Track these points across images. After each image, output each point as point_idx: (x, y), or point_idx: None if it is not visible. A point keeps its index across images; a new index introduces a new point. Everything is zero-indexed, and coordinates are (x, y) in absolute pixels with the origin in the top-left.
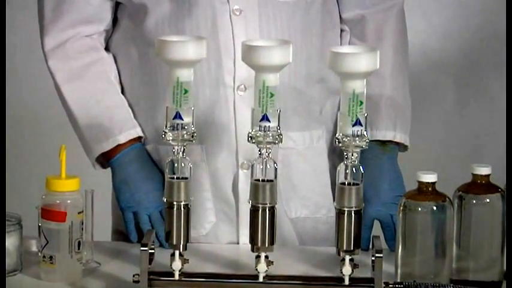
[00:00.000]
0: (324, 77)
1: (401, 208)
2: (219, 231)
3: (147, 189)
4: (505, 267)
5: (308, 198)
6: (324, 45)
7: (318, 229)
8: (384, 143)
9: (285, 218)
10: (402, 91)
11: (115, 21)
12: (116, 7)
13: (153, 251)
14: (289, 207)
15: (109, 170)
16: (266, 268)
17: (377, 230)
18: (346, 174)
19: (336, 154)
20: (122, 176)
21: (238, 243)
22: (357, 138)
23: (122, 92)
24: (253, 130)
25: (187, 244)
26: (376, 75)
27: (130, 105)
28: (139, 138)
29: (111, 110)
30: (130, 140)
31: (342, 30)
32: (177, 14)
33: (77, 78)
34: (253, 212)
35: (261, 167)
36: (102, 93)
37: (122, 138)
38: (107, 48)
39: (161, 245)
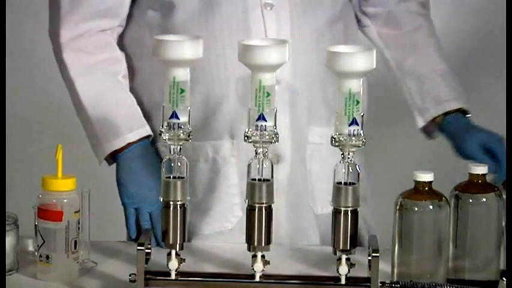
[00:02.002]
0: None
1: (397, 207)
2: (244, 226)
3: (151, 186)
4: (501, 267)
5: (326, 199)
6: (348, 41)
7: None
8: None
9: (310, 214)
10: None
11: (130, 18)
12: (132, 2)
13: (149, 250)
14: (315, 203)
15: (108, 169)
16: (262, 268)
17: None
18: (342, 173)
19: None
20: (127, 171)
21: None
22: (354, 138)
23: (138, 88)
24: (250, 129)
25: (184, 244)
26: (425, 56)
27: (142, 102)
28: (147, 136)
29: (122, 108)
30: (139, 138)
31: (364, 26)
32: (205, 9)
33: (90, 74)
34: (250, 211)
35: (258, 166)
36: (113, 92)
37: (132, 137)
38: (118, 44)
39: (158, 245)
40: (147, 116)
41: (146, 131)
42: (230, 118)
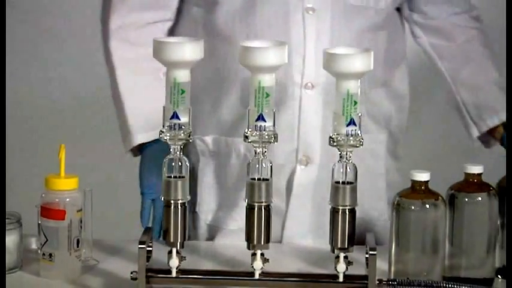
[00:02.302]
0: (389, 81)
1: (394, 206)
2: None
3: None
4: (496, 265)
5: (359, 199)
6: (390, 50)
7: (367, 230)
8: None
9: None
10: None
11: (179, 13)
12: None
13: (150, 248)
14: None
15: (110, 169)
16: (262, 265)
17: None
18: (340, 173)
19: (394, 158)
20: (150, 163)
21: (282, 236)
22: (351, 138)
23: None
24: (249, 130)
25: (185, 242)
26: (479, 67)
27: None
28: None
29: (157, 104)
30: None
31: (417, 37)
32: (248, 8)
33: (132, 66)
34: (249, 210)
35: (257, 165)
36: (151, 87)
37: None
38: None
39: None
40: None
41: None
42: None
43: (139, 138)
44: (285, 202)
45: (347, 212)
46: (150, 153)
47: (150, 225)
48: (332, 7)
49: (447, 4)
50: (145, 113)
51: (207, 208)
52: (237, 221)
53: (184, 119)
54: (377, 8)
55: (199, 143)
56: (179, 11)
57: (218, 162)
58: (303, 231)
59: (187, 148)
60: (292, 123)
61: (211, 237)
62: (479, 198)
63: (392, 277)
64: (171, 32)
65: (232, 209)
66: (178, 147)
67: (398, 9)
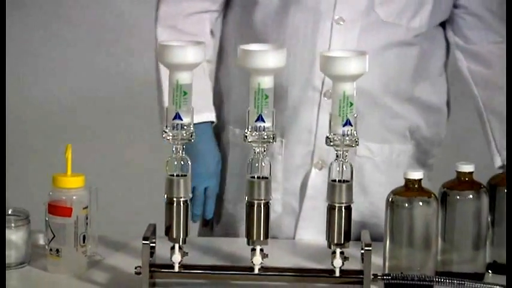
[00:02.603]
0: (416, 95)
1: (388, 204)
2: (281, 222)
3: (207, 163)
4: (487, 260)
5: (377, 206)
6: (421, 66)
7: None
8: None
9: None
10: None
11: (226, 6)
12: None
13: (154, 244)
14: (357, 209)
15: (114, 168)
16: (261, 260)
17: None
18: (337, 171)
19: (424, 167)
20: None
21: (294, 235)
22: (347, 138)
23: (221, 75)
24: (249, 130)
25: (187, 238)
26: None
27: (221, 90)
28: (211, 122)
29: (196, 91)
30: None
31: (457, 59)
32: (282, 11)
33: None
34: (249, 207)
35: (257, 164)
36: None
37: (196, 119)
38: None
39: (205, 222)
40: (220, 101)
41: (210, 116)
42: (284, 119)
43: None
44: (299, 203)
45: (343, 209)
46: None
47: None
48: (362, 20)
49: (490, 31)
50: None
51: (231, 197)
52: None
53: (186, 119)
54: (409, 26)
55: (231, 134)
56: (226, 4)
57: (245, 155)
58: (315, 231)
59: (220, 137)
60: (310, 127)
61: (231, 226)
62: (470, 196)
63: (386, 272)
64: (216, 25)
65: None
66: (181, 146)
67: (443, 26)
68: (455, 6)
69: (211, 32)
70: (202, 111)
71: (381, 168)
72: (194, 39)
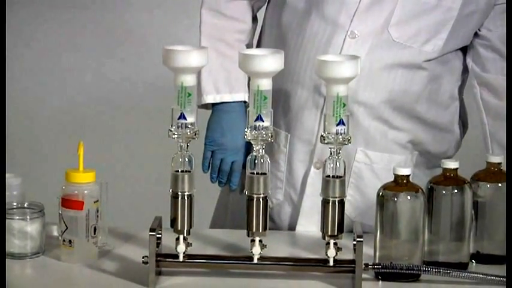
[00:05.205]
0: (422, 114)
1: (379, 198)
2: (281, 210)
3: (234, 137)
4: (471, 250)
5: (372, 204)
6: (428, 91)
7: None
8: None
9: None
10: None
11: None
12: None
13: (160, 235)
14: (354, 209)
15: (123, 163)
16: (260, 251)
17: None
18: (331, 168)
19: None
20: (216, 120)
21: (293, 227)
22: (341, 136)
23: None
24: (248, 129)
25: (191, 229)
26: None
27: None
28: (243, 101)
29: (233, 73)
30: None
31: (472, 86)
32: (305, 15)
33: (216, 37)
34: (249, 201)
35: (256, 161)
36: (231, 58)
37: (228, 98)
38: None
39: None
40: None
41: (242, 96)
42: (291, 115)
43: (208, 98)
44: (298, 198)
45: (337, 203)
46: (216, 113)
47: (208, 171)
48: (374, 37)
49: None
50: (218, 79)
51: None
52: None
53: (190, 119)
54: (421, 49)
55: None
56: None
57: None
58: (314, 228)
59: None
60: (312, 128)
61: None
62: (455, 191)
63: (377, 261)
64: (255, 18)
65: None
66: (186, 144)
67: (463, 51)
68: (476, 35)
69: (254, 19)
70: (238, 91)
71: (379, 175)
72: (235, 23)
